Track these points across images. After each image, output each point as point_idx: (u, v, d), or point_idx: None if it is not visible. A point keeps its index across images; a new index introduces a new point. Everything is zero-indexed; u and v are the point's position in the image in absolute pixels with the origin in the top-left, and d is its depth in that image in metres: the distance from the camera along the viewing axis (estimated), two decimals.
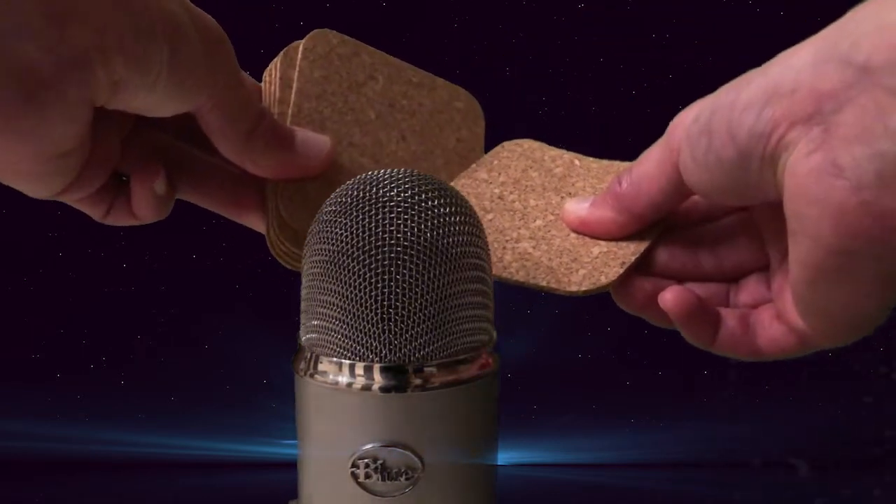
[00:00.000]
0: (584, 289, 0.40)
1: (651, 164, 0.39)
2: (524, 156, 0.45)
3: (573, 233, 0.42)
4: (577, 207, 0.42)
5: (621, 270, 0.40)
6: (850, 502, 1.04)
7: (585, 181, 0.44)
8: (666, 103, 0.99)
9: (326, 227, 0.37)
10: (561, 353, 1.02)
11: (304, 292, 0.39)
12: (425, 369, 0.36)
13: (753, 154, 0.33)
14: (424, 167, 0.43)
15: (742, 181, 0.34)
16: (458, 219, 0.36)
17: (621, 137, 1.01)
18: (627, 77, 0.95)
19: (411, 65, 0.45)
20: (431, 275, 0.35)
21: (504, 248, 0.42)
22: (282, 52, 0.42)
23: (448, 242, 0.35)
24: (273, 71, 0.42)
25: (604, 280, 0.40)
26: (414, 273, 0.35)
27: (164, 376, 1.02)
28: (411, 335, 0.35)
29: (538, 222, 0.42)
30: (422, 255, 0.35)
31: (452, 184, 0.43)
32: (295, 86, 0.41)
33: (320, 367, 0.37)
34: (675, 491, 1.05)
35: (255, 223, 0.42)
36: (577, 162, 0.45)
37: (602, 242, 0.41)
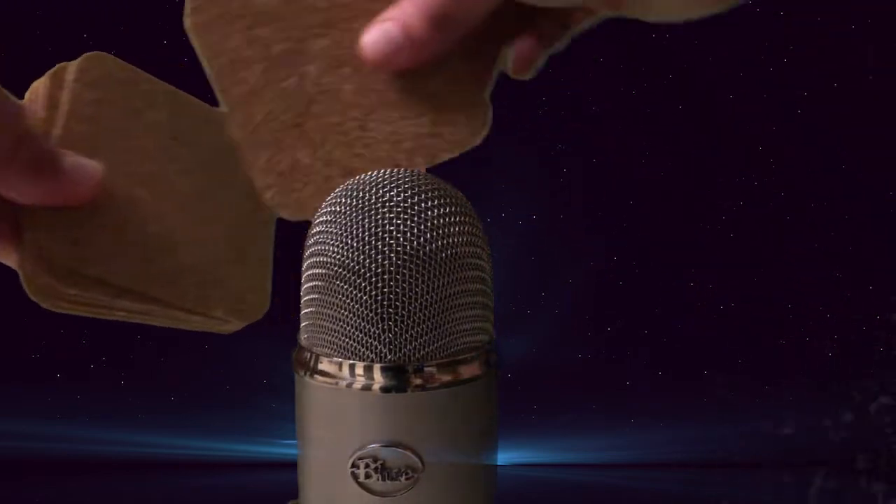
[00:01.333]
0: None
1: None
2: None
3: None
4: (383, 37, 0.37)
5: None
6: (849, 502, 1.04)
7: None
8: (666, 103, 0.99)
9: (326, 227, 0.37)
10: (561, 353, 1.02)
11: (303, 293, 0.39)
12: (425, 369, 0.36)
13: None
14: (209, 203, 0.39)
15: None
16: (457, 219, 0.36)
17: (620, 137, 1.01)
18: (627, 76, 0.95)
19: (199, 99, 0.40)
20: (431, 275, 0.35)
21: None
22: (49, 73, 0.38)
23: (448, 243, 0.35)
24: (39, 90, 0.37)
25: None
26: (414, 273, 0.35)
27: (164, 376, 1.03)
28: (411, 335, 0.35)
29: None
30: (422, 256, 0.35)
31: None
32: (66, 107, 0.36)
33: (320, 367, 0.37)
34: (675, 491, 1.05)
35: (5, 256, 0.37)
36: None
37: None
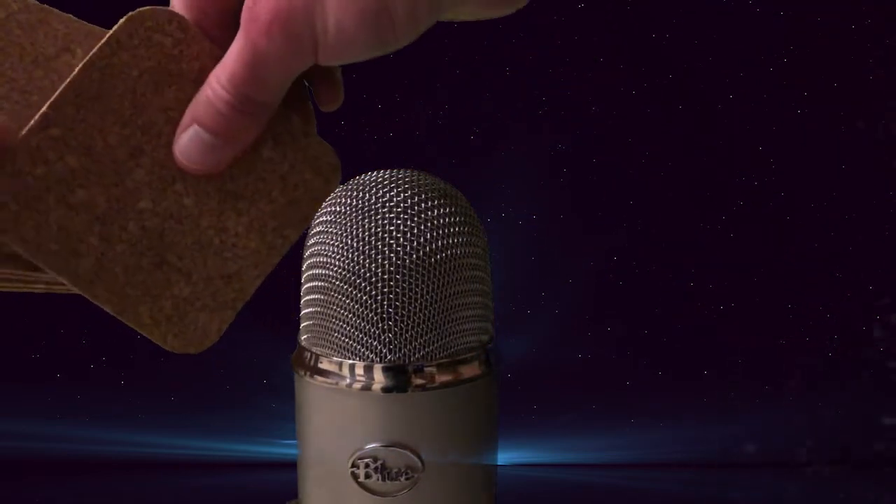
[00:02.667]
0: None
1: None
2: None
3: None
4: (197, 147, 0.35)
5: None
6: (849, 502, 1.04)
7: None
8: (666, 103, 0.99)
9: (326, 227, 0.37)
10: (561, 353, 1.02)
11: (304, 293, 0.39)
12: (425, 369, 0.36)
13: None
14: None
15: None
16: (457, 219, 0.36)
17: (620, 137, 1.01)
18: (627, 76, 0.95)
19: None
20: (431, 276, 0.35)
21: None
22: None
23: (448, 243, 0.35)
24: None
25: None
26: (414, 274, 0.35)
27: (164, 376, 1.02)
28: (411, 335, 0.35)
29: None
30: (421, 257, 0.35)
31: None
32: None
33: (320, 367, 0.37)
34: (675, 491, 1.05)
35: None
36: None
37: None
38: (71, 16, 0.36)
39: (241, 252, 0.36)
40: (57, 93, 0.34)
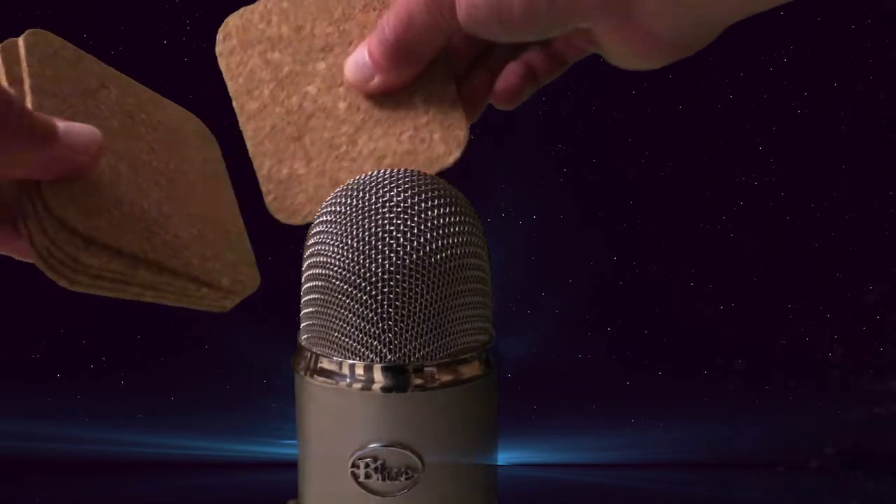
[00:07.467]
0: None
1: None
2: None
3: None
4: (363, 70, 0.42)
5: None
6: (849, 502, 1.04)
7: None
8: (666, 103, 0.99)
9: (326, 227, 0.37)
10: (561, 353, 1.02)
11: (304, 293, 0.39)
12: (425, 369, 0.36)
13: None
14: (181, 179, 0.40)
15: None
16: (457, 219, 0.36)
17: (620, 137, 1.01)
18: (627, 77, 0.95)
19: (135, 80, 0.42)
20: (431, 276, 0.35)
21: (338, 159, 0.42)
22: None
23: (448, 243, 0.35)
24: None
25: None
26: (413, 274, 0.35)
27: (164, 376, 1.03)
28: (411, 335, 0.35)
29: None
30: (421, 257, 0.35)
31: (244, 122, 0.44)
32: (29, 81, 0.35)
33: (320, 367, 0.37)
34: (675, 491, 1.05)
35: (6, 245, 0.36)
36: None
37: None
38: (97, 58, 0.41)
39: (355, 168, 0.41)
40: None
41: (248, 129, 0.43)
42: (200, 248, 0.38)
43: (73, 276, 0.34)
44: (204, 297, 0.39)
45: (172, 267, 0.36)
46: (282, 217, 0.42)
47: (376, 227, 0.35)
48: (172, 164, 0.40)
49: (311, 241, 0.38)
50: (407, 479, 0.36)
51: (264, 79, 0.43)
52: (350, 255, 0.35)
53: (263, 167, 0.43)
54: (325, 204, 0.38)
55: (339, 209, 0.36)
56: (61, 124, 0.33)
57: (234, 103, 0.44)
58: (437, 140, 0.41)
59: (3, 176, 0.33)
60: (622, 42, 0.38)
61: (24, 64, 0.36)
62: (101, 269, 0.34)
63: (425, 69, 0.41)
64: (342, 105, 0.43)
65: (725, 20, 0.38)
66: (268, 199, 0.42)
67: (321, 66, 0.43)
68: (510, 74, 0.43)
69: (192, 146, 0.43)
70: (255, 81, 0.43)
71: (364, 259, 0.35)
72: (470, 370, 0.37)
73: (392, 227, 0.35)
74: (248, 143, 0.43)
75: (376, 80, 0.41)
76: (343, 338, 0.36)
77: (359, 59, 0.41)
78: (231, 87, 0.44)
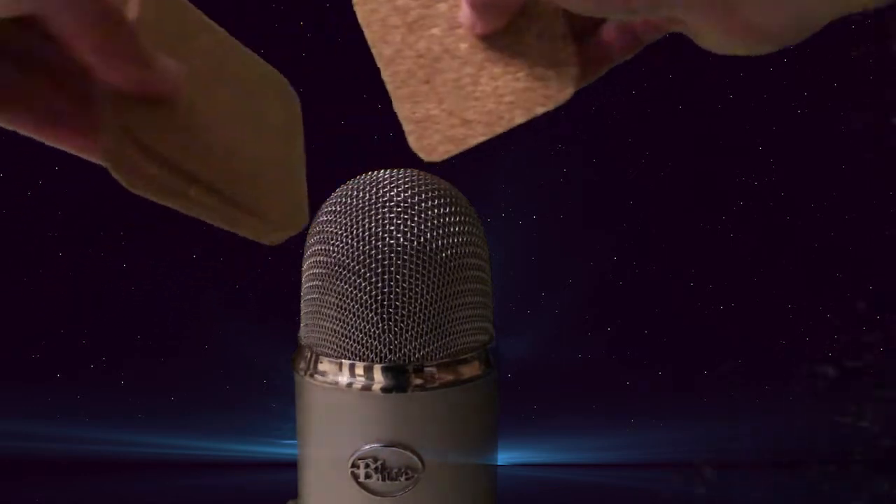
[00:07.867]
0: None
1: None
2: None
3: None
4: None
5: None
6: (849, 502, 1.04)
7: None
8: (666, 103, 0.99)
9: (327, 227, 0.37)
10: (561, 353, 1.02)
11: (304, 292, 0.39)
12: (425, 369, 0.36)
13: None
14: (254, 125, 0.44)
15: None
16: (457, 219, 0.36)
17: (620, 137, 1.01)
18: (627, 76, 0.95)
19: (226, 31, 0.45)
20: (431, 276, 0.35)
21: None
22: None
23: (448, 243, 0.35)
24: None
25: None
26: (413, 274, 0.35)
27: (164, 376, 1.02)
28: (411, 335, 0.35)
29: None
30: (421, 257, 0.35)
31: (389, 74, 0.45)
32: (134, 15, 0.39)
33: (320, 366, 0.37)
34: (675, 491, 1.05)
35: (86, 146, 0.39)
36: None
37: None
38: (195, 8, 0.43)
39: (480, 108, 0.43)
40: None
41: (386, 75, 0.45)
42: (257, 183, 0.41)
43: (134, 179, 0.37)
44: (249, 227, 0.41)
45: (224, 190, 0.39)
46: (423, 155, 0.44)
47: (376, 226, 0.35)
48: (249, 110, 0.43)
49: (311, 240, 0.38)
50: (407, 479, 0.36)
51: (395, 24, 0.45)
52: (350, 255, 0.35)
53: (403, 109, 0.45)
54: (325, 203, 0.38)
55: (339, 208, 0.36)
56: (157, 56, 0.37)
57: (372, 51, 0.45)
58: (551, 77, 0.43)
59: (102, 76, 0.37)
60: (722, 31, 0.38)
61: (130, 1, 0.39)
62: (156, 178, 0.38)
63: (534, 9, 0.42)
64: (463, 46, 0.44)
65: (827, 16, 0.38)
66: (410, 140, 0.44)
67: (443, 7, 0.44)
68: (586, 51, 0.44)
69: (273, 99, 0.45)
70: (387, 28, 0.45)
71: (364, 258, 0.35)
72: (470, 370, 0.37)
73: (392, 227, 0.35)
74: (389, 88, 0.45)
75: (480, 21, 0.42)
76: (343, 338, 0.36)
77: (464, 3, 0.42)
78: (368, 36, 0.45)
